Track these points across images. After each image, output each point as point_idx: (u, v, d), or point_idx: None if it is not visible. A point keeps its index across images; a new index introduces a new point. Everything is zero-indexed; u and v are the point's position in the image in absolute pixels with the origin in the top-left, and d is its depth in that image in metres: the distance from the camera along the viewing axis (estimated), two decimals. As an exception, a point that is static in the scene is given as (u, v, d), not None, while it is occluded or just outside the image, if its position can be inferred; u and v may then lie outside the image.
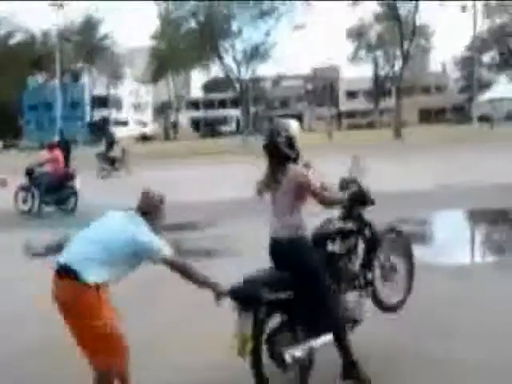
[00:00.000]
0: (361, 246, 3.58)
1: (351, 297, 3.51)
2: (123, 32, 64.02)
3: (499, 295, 4.91)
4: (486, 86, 61.58)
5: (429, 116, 59.02)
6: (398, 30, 37.28)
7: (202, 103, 69.46)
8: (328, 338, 3.22)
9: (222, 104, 66.72)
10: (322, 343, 3.21)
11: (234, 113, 59.42)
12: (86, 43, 59.79)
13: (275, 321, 3.11)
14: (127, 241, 2.87)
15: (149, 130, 66.16)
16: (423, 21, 45.31)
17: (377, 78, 64.20)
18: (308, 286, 3.12)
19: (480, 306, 4.61)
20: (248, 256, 6.20)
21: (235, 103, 53.42)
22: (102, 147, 23.10)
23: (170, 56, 50.59)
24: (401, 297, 3.92)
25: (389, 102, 53.03)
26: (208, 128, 61.35)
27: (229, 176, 15.96)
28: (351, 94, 68.54)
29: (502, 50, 65.05)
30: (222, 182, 14.81)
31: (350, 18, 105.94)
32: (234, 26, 38.92)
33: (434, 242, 8.13)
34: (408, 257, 3.96)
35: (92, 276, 2.80)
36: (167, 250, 2.92)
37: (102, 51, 61.48)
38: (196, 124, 64.83)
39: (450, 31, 75.46)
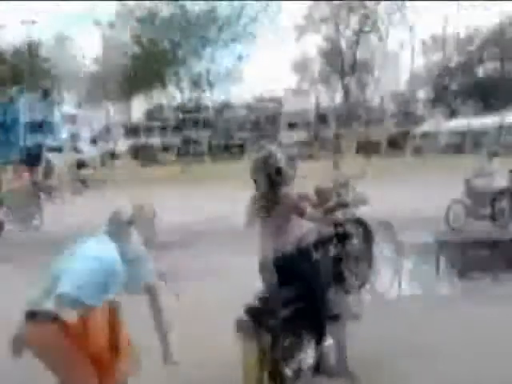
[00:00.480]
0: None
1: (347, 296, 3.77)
2: (64, 55, 61.91)
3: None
4: (420, 120, 64.42)
5: (366, 148, 60.73)
6: (339, 65, 38.48)
7: (143, 130, 68.43)
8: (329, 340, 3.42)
9: (164, 131, 66.02)
10: (327, 345, 3.40)
11: (175, 140, 58.80)
12: (23, 65, 57.85)
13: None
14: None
15: (86, 156, 64.08)
16: (364, 56, 47.08)
17: (317, 111, 65.72)
18: (314, 295, 3.29)
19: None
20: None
21: (177, 131, 52.88)
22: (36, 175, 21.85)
23: (110, 81, 49.62)
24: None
25: (328, 133, 54.27)
26: (148, 155, 60.41)
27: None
28: (292, 125, 69.87)
29: (437, 87, 68.59)
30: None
31: (294, 51, 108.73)
32: (179, 54, 38.64)
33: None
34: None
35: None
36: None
37: (41, 74, 59.62)
38: (135, 151, 63.65)
39: (388, 67, 78.70)
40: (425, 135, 56.34)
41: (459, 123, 56.57)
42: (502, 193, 9.99)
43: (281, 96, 70.49)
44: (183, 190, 20.16)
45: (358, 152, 58.60)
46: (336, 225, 3.81)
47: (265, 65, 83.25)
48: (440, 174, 22.26)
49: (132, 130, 68.83)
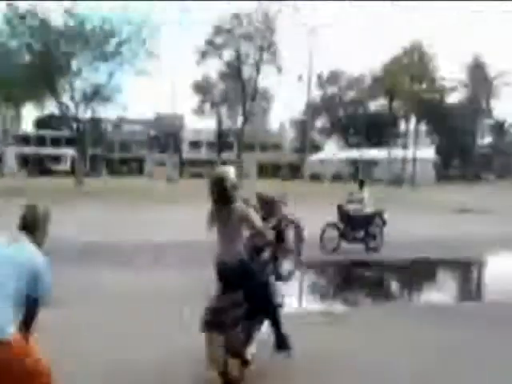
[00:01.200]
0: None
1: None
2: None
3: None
4: (317, 147, 67.38)
5: (266, 171, 62.08)
6: (240, 90, 39.06)
7: (33, 139, 64.11)
8: (266, 323, 4.21)
9: (56, 142, 62.35)
10: (265, 329, 4.24)
11: (69, 152, 55.74)
12: None
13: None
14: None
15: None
16: (264, 84, 48.45)
17: (220, 132, 66.16)
18: (254, 293, 3.99)
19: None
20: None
21: (71, 142, 50.22)
22: None
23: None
24: None
25: (231, 155, 54.71)
26: (37, 165, 56.61)
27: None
28: (195, 144, 69.52)
29: (332, 117, 72.30)
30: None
31: (195, 72, 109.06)
32: (74, 65, 36.81)
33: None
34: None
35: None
36: None
37: None
38: (25, 160, 59.35)
39: (288, 96, 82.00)
40: (321, 162, 58.80)
41: (352, 153, 60.02)
42: (372, 218, 10.62)
43: (182, 114, 70.13)
44: (75, 202, 18.97)
45: (259, 175, 59.96)
46: (275, 228, 4.52)
47: (166, 83, 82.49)
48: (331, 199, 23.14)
49: (22, 139, 64.32)
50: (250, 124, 48.68)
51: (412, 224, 15.05)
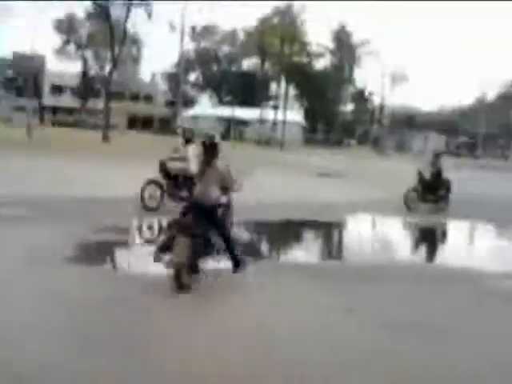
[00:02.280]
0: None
1: None
2: None
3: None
4: (190, 102, 66.29)
5: (137, 123, 59.80)
6: (109, 33, 36.47)
7: None
8: (222, 247, 5.92)
9: None
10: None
11: None
12: None
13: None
14: None
15: None
16: (135, 30, 45.83)
17: (86, 77, 61.82)
18: (216, 225, 5.86)
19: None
20: None
21: None
22: None
23: None
24: None
25: (97, 103, 51.44)
26: None
27: None
28: (57, 89, 64.01)
29: (206, 72, 71.32)
30: None
31: (59, 9, 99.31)
32: None
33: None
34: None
35: None
36: None
37: None
38: None
39: (160, 46, 78.68)
40: (194, 117, 58.11)
41: (225, 111, 60.10)
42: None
43: (44, 54, 63.91)
44: None
45: (129, 127, 57.39)
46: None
47: (26, 18, 74.12)
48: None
49: None
50: (119, 72, 46.03)
51: (279, 185, 15.55)
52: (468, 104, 73.29)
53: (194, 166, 6.49)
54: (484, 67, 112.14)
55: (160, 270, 5.55)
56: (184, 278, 5.28)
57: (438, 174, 12.98)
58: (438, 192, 12.86)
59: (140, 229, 9.14)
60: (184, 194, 9.67)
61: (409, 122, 69.50)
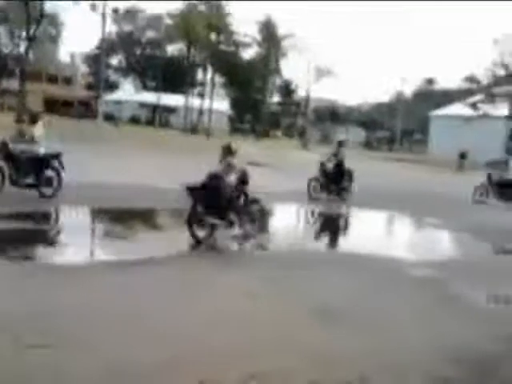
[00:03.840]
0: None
1: None
2: None
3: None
4: (113, 86, 63.89)
5: (55, 106, 56.74)
6: (24, 10, 34.22)
7: None
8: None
9: None
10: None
11: None
12: None
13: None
14: None
15: None
16: (52, 10, 43.36)
17: (-1, 56, 57.70)
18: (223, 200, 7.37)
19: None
20: None
21: None
22: None
23: None
24: None
25: (12, 84, 48.15)
26: None
27: None
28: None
29: (129, 56, 69.00)
30: None
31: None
32: None
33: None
34: None
35: None
36: None
37: None
38: None
39: (81, 26, 75.17)
40: (117, 102, 56.14)
41: (149, 97, 58.54)
42: (45, 160, 9.16)
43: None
44: None
45: (46, 110, 54.25)
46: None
47: None
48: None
49: None
50: (35, 51, 43.41)
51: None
52: (387, 100, 76.58)
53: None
54: (403, 65, 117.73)
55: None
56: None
57: (339, 165, 13.06)
58: (340, 182, 12.97)
59: None
60: (29, 180, 9.10)
61: (332, 116, 71.43)
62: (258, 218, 8.05)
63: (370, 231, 10.58)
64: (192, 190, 7.10)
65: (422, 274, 6.86)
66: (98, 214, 9.49)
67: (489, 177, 15.31)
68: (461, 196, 15.77)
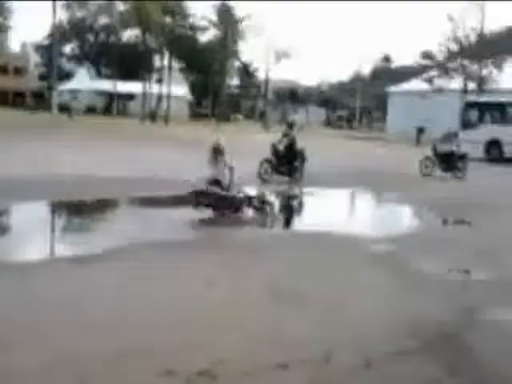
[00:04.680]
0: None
1: None
2: None
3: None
4: (67, 75, 61.99)
5: (6, 98, 54.75)
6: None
7: None
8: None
9: None
10: None
11: None
12: None
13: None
14: None
15: None
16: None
17: None
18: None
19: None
20: None
21: None
22: None
23: None
24: None
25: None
26: None
27: None
28: None
29: (82, 44, 67.02)
30: None
31: None
32: None
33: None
34: None
35: None
36: None
37: None
38: None
39: (32, 14, 72.39)
40: (71, 92, 54.59)
41: (105, 85, 57.09)
42: None
43: None
44: None
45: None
46: None
47: None
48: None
49: None
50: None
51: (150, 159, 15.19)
52: (346, 79, 77.10)
53: None
54: (362, 44, 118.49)
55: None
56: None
57: (291, 145, 12.92)
58: (292, 163, 12.81)
59: None
60: None
61: (292, 96, 71.50)
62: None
63: (324, 210, 10.63)
64: None
65: (378, 249, 6.95)
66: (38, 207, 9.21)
67: (434, 149, 15.77)
68: (413, 170, 16.07)
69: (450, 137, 16.29)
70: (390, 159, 21.44)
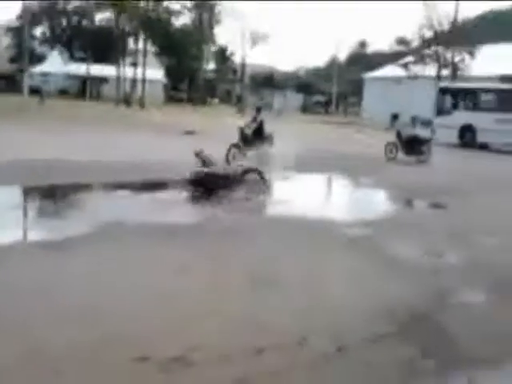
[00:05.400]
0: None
1: None
2: None
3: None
4: (39, 58, 60.37)
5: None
6: None
7: None
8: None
9: None
10: None
11: None
12: None
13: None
14: None
15: None
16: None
17: None
18: None
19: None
20: None
21: None
22: None
23: None
24: None
25: None
26: None
27: None
28: None
29: (54, 26, 65.27)
30: None
31: None
32: None
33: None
34: None
35: None
36: None
37: None
38: None
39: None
40: (43, 75, 53.28)
41: (79, 68, 55.84)
42: None
43: None
44: None
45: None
46: None
47: None
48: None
49: None
50: None
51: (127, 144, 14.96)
52: (322, 65, 77.11)
53: None
54: (338, 30, 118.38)
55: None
56: None
57: (259, 130, 12.93)
58: (260, 147, 12.79)
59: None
60: None
61: (269, 82, 71.16)
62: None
63: (296, 194, 10.50)
64: None
65: (352, 233, 7.01)
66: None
67: (398, 134, 16.03)
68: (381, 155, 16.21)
69: (415, 122, 16.56)
70: (363, 144, 21.56)
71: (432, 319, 4.30)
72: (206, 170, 8.82)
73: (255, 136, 12.79)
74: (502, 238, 7.40)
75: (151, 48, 60.31)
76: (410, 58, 39.69)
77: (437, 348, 3.78)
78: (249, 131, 12.83)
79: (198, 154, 9.00)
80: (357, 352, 3.62)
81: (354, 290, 4.88)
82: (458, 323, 4.26)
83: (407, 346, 3.77)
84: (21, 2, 45.81)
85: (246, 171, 9.04)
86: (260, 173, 9.13)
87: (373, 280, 5.19)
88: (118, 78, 48.23)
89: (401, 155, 15.95)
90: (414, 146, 15.86)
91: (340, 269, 5.54)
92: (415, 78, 37.65)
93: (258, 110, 13.58)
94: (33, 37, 59.41)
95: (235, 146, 12.57)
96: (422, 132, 16.04)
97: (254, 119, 13.08)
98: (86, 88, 54.50)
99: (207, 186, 8.67)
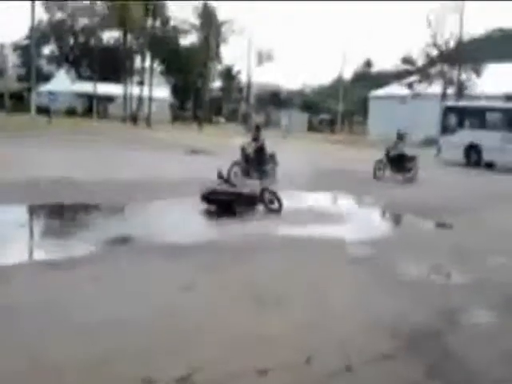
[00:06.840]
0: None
1: None
2: None
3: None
4: (46, 77, 61.11)
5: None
6: None
7: None
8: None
9: None
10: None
11: None
12: None
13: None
14: None
15: None
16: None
17: None
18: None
19: None
20: None
21: None
22: None
23: None
24: None
25: None
26: None
27: None
28: None
29: (62, 45, 66.19)
30: None
31: None
32: None
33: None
34: None
35: None
36: None
37: None
38: None
39: (8, 15, 71.33)
40: (51, 93, 53.80)
41: (85, 87, 56.41)
42: None
43: None
44: None
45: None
46: None
47: None
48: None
49: None
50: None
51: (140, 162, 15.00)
52: (328, 83, 77.56)
53: None
54: (344, 49, 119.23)
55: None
56: None
57: (260, 149, 12.86)
58: (263, 167, 12.70)
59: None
60: None
61: (274, 100, 71.60)
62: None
63: (304, 214, 10.45)
64: None
65: (359, 252, 6.95)
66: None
67: (386, 152, 15.97)
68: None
69: (401, 138, 16.51)
70: (364, 163, 21.45)
71: (440, 339, 4.24)
72: (218, 187, 9.11)
73: (257, 155, 12.73)
74: (508, 257, 7.33)
75: (158, 67, 61.01)
76: (415, 77, 39.85)
77: (445, 369, 3.71)
78: (250, 150, 12.78)
79: (219, 173, 9.52)
80: (363, 370, 3.56)
81: (362, 309, 4.83)
82: (467, 343, 4.19)
83: (414, 366, 3.70)
84: (29, 20, 46.52)
85: (262, 190, 9.28)
86: (274, 193, 9.34)
87: (381, 299, 5.13)
88: (124, 97, 48.69)
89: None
90: (400, 163, 15.80)
91: (348, 287, 5.48)
92: (419, 96, 37.77)
93: (258, 128, 13.54)
94: (40, 55, 60.25)
95: (237, 164, 12.58)
96: (400, 148, 15.95)
97: (255, 138, 13.00)
98: (92, 107, 54.95)
99: (220, 203, 8.87)
